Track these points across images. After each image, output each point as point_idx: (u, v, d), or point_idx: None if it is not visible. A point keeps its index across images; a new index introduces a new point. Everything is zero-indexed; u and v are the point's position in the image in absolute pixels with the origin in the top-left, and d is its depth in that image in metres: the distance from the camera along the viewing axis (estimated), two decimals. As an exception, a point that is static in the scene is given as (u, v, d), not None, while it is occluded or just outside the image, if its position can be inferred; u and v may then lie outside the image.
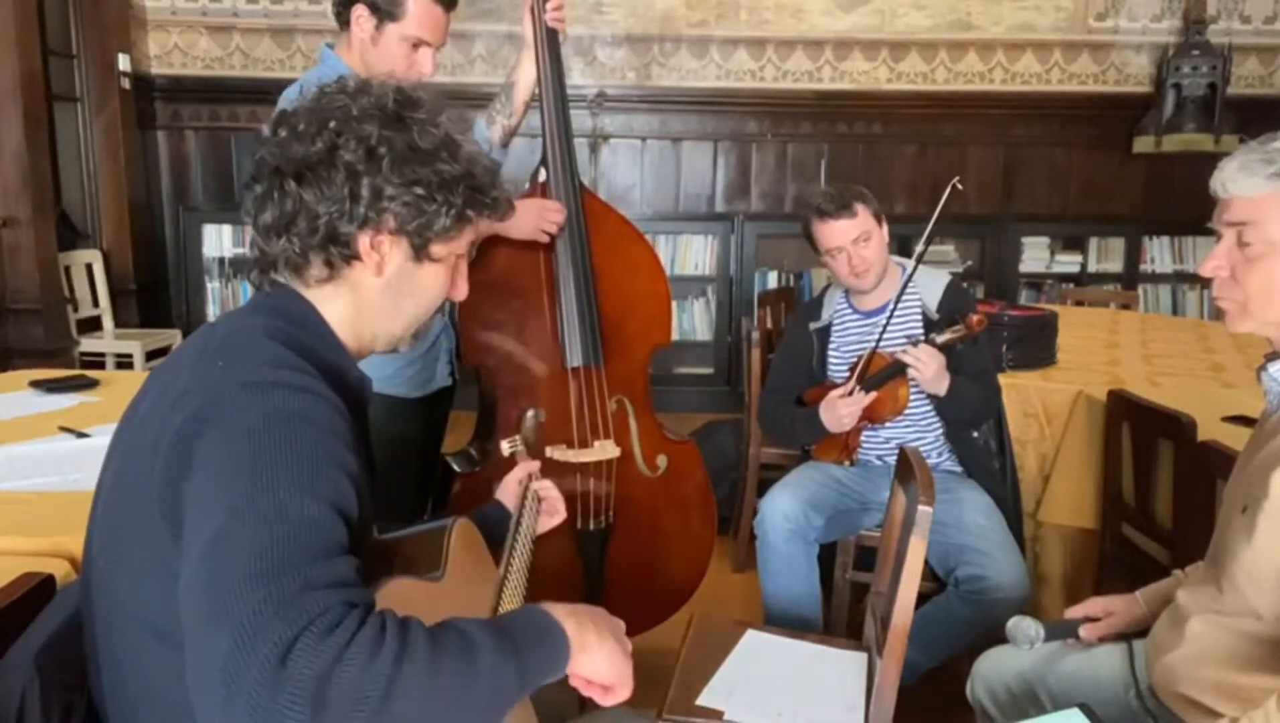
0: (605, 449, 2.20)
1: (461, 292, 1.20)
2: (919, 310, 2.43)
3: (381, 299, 1.12)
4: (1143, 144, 5.13)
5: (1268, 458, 1.29)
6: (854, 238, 2.35)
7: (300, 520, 0.87)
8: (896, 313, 2.35)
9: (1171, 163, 5.11)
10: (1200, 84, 5.03)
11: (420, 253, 1.10)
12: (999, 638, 1.82)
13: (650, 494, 2.28)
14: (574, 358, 2.16)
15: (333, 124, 1.06)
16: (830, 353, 2.52)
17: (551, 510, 1.54)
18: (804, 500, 2.34)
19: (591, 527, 2.22)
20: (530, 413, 2.18)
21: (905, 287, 2.36)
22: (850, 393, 2.34)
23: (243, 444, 0.90)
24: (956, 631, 2.24)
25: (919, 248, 2.35)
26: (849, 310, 2.52)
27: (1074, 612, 1.62)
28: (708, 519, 2.38)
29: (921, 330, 2.40)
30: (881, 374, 2.33)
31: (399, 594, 0.98)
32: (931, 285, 2.44)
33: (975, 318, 2.28)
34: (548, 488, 1.53)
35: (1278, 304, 1.29)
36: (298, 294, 1.10)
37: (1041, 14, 5.18)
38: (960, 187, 2.34)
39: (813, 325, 2.55)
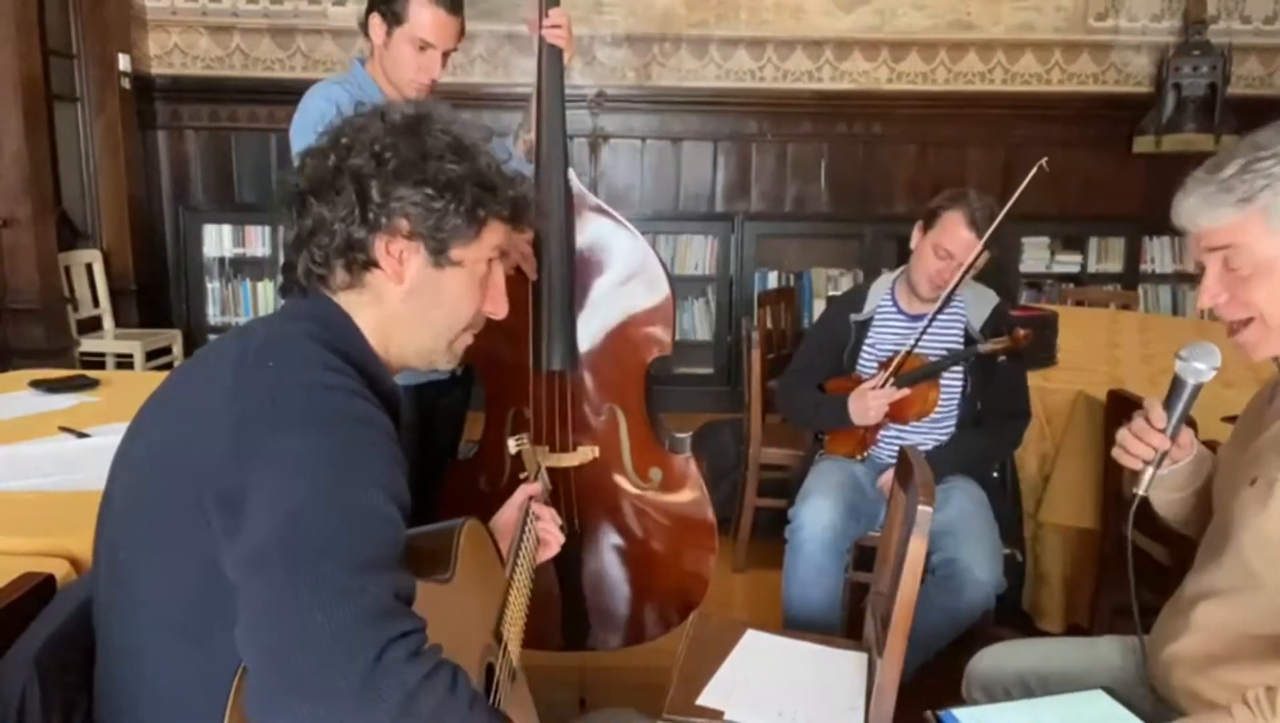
0: (586, 456, 2.18)
1: (500, 308, 1.21)
2: (962, 325, 2.43)
3: (405, 308, 1.13)
4: (1143, 144, 5.13)
5: None
6: (966, 255, 2.32)
7: (379, 516, 0.93)
8: (940, 321, 2.37)
9: (1171, 163, 5.09)
10: (1200, 84, 5.03)
11: (439, 257, 1.12)
12: (972, 632, 1.77)
13: (640, 505, 2.23)
14: (550, 362, 2.16)
15: (344, 139, 1.10)
16: (865, 347, 2.51)
17: (545, 541, 1.49)
18: (843, 511, 2.32)
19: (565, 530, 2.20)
20: (526, 413, 2.17)
21: (952, 293, 2.35)
22: (883, 386, 2.34)
23: (316, 439, 0.94)
24: (933, 620, 2.20)
25: (982, 254, 2.32)
26: (893, 309, 2.52)
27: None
28: (705, 534, 2.23)
29: (961, 344, 2.41)
30: (916, 373, 2.35)
31: None
32: (979, 304, 2.45)
33: (1022, 333, 2.31)
34: (545, 523, 1.48)
35: None
36: (331, 300, 1.13)
37: (1041, 14, 5.18)
38: (1047, 168, 2.30)
39: (854, 316, 2.53)
